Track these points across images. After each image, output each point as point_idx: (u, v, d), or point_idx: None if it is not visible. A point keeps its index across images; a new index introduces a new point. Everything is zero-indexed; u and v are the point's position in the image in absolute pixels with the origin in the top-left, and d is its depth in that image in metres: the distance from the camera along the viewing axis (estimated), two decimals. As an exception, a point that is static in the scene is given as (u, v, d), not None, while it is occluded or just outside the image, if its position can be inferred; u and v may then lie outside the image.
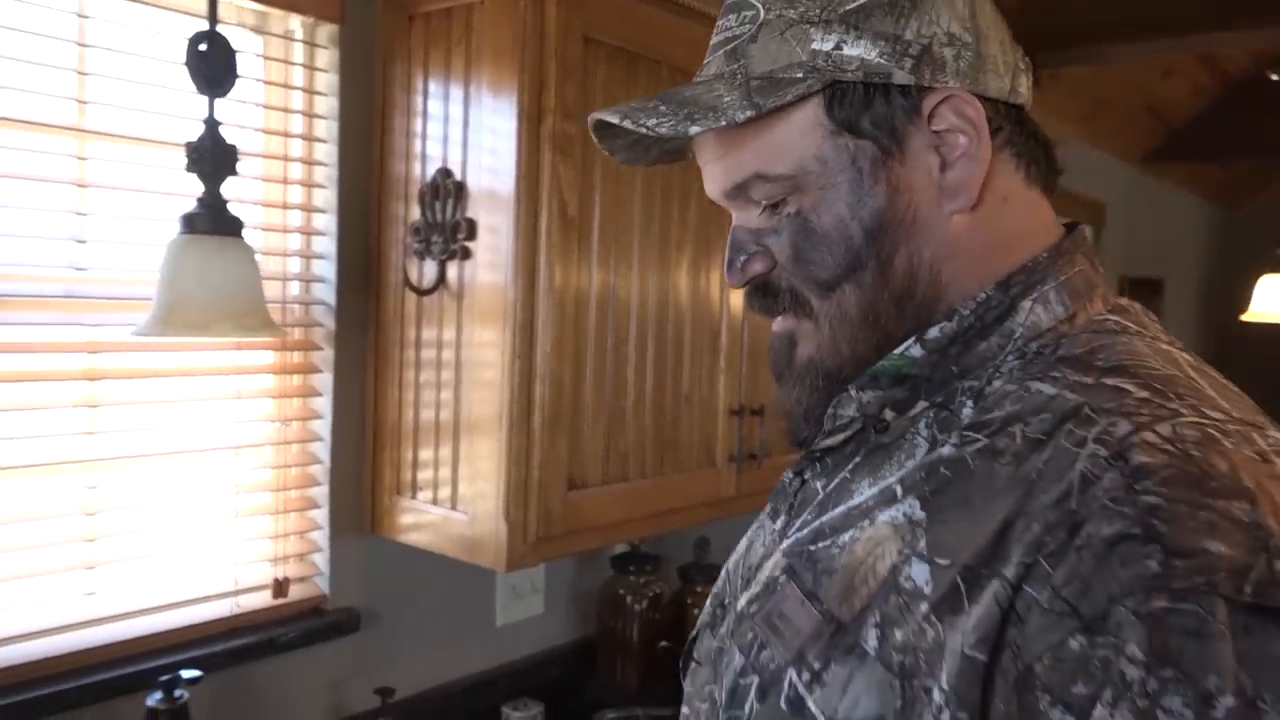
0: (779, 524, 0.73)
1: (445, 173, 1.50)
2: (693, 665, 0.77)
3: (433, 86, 1.53)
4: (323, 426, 1.60)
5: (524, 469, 1.44)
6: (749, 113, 0.62)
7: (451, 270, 1.50)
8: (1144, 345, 0.62)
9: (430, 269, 1.52)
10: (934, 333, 0.64)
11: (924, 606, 0.56)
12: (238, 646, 1.47)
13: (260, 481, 1.56)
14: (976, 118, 0.63)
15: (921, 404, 0.65)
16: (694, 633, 0.79)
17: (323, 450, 1.60)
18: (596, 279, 1.51)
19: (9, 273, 1.27)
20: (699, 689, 0.74)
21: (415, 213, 1.55)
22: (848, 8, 0.63)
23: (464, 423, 1.49)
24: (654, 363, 1.62)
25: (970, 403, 0.62)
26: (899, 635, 0.56)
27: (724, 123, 0.62)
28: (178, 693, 1.28)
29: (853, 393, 0.66)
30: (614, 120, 0.65)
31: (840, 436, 0.68)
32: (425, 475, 1.55)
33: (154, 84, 1.39)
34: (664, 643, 1.88)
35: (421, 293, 1.53)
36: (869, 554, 0.60)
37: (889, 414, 0.66)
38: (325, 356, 1.59)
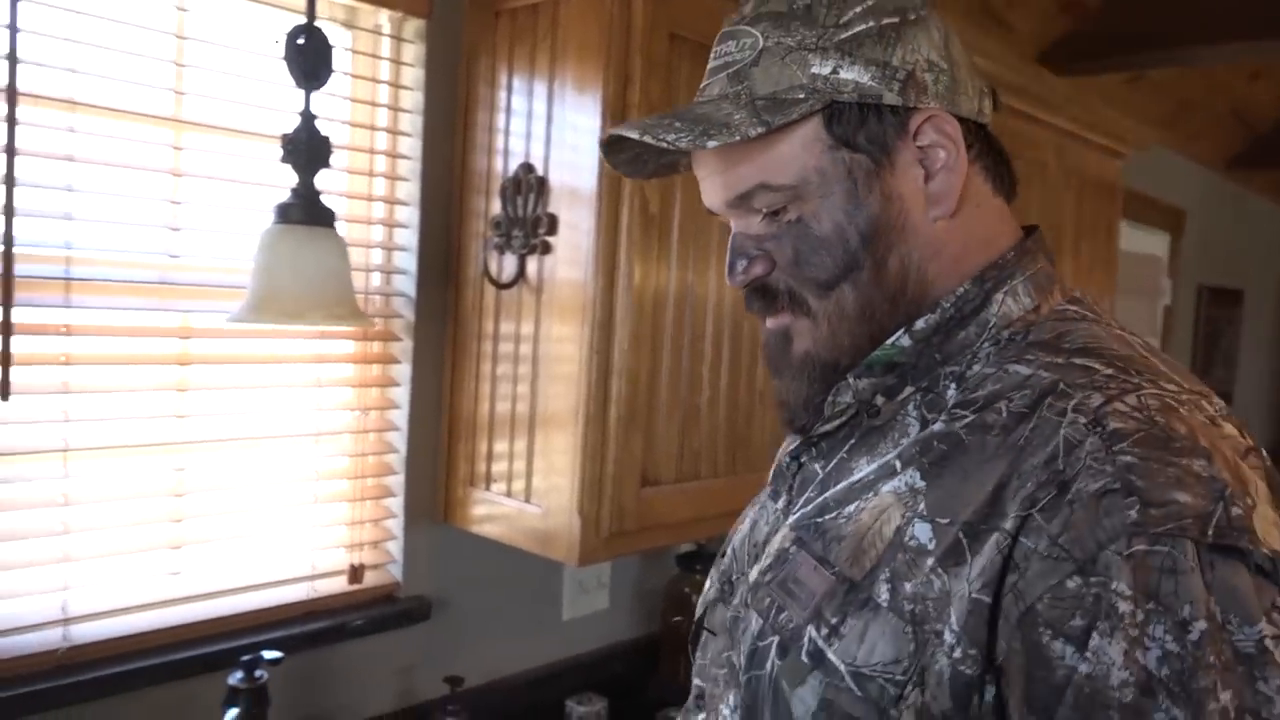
0: (780, 503, 0.80)
1: (527, 168, 1.51)
2: (705, 636, 0.83)
3: (517, 82, 1.54)
4: (400, 416, 1.62)
5: (599, 464, 1.44)
6: (760, 129, 0.69)
7: (531, 265, 1.51)
8: (1102, 330, 0.71)
9: (510, 263, 1.53)
10: (920, 324, 0.72)
11: (930, 560, 0.64)
12: (313, 630, 1.50)
13: (338, 469, 1.59)
14: (955, 134, 0.71)
15: (909, 389, 0.73)
16: (700, 608, 0.86)
17: (399, 440, 1.62)
18: (675, 276, 1.51)
19: (107, 258, 1.31)
20: (715, 658, 0.80)
21: (496, 207, 1.56)
22: (842, 37, 0.70)
23: (539, 416, 1.50)
24: (729, 361, 1.61)
25: (953, 385, 0.71)
26: (908, 587, 0.64)
27: (738, 138, 0.68)
28: (258, 673, 1.31)
29: (850, 381, 0.74)
30: (634, 135, 0.71)
31: (836, 422, 0.76)
32: (499, 467, 1.57)
33: (247, 76, 1.42)
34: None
35: (500, 286, 1.54)
36: (875, 520, 0.68)
37: (880, 400, 0.73)
38: (404, 347, 1.61)
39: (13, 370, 1.18)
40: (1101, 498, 0.58)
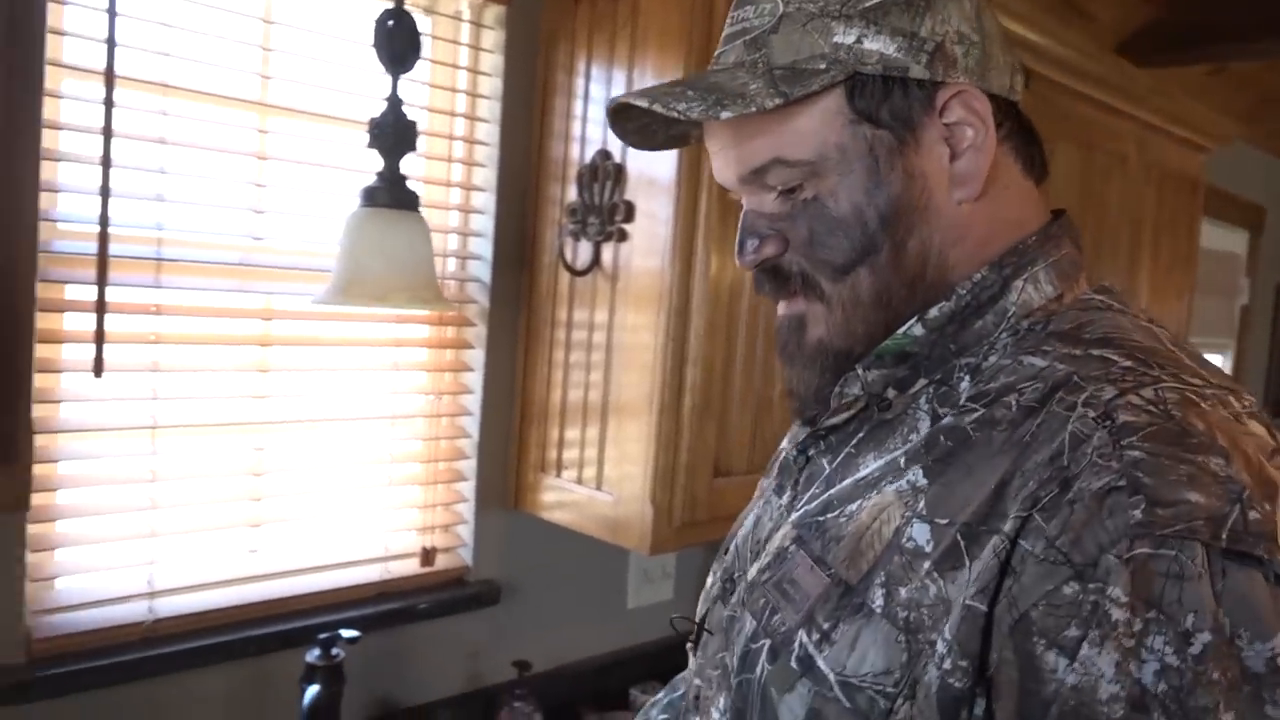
0: (785, 499, 0.76)
1: (604, 155, 1.51)
2: (705, 636, 0.80)
3: (595, 69, 1.54)
4: (473, 401, 1.63)
5: (672, 453, 1.44)
6: (777, 100, 0.64)
7: (606, 252, 1.51)
8: (1127, 321, 0.66)
9: (585, 250, 1.53)
10: (934, 312, 0.68)
11: (926, 564, 0.60)
12: (386, 611, 1.52)
13: (412, 452, 1.60)
14: (984, 112, 0.67)
15: (921, 382, 0.68)
16: (702, 606, 0.82)
17: (472, 425, 1.63)
18: (751, 266, 1.50)
19: (195, 240, 1.33)
20: (711, 658, 0.76)
21: (572, 194, 1.56)
22: (867, 4, 0.66)
23: (613, 404, 1.50)
24: (803, 353, 1.60)
25: (967, 378, 0.66)
26: (904, 593, 0.60)
27: (754, 109, 0.64)
28: (335, 651, 1.33)
29: (859, 372, 0.69)
30: (643, 104, 0.67)
31: (845, 415, 0.71)
32: (571, 454, 1.57)
33: (328, 60, 1.43)
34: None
35: (576, 273, 1.54)
36: (874, 519, 0.64)
37: (891, 392, 0.69)
38: (478, 333, 1.62)
39: (106, 348, 1.21)
40: (1105, 496, 0.54)
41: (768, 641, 0.67)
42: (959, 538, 0.59)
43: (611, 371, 1.50)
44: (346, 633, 1.33)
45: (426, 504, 1.62)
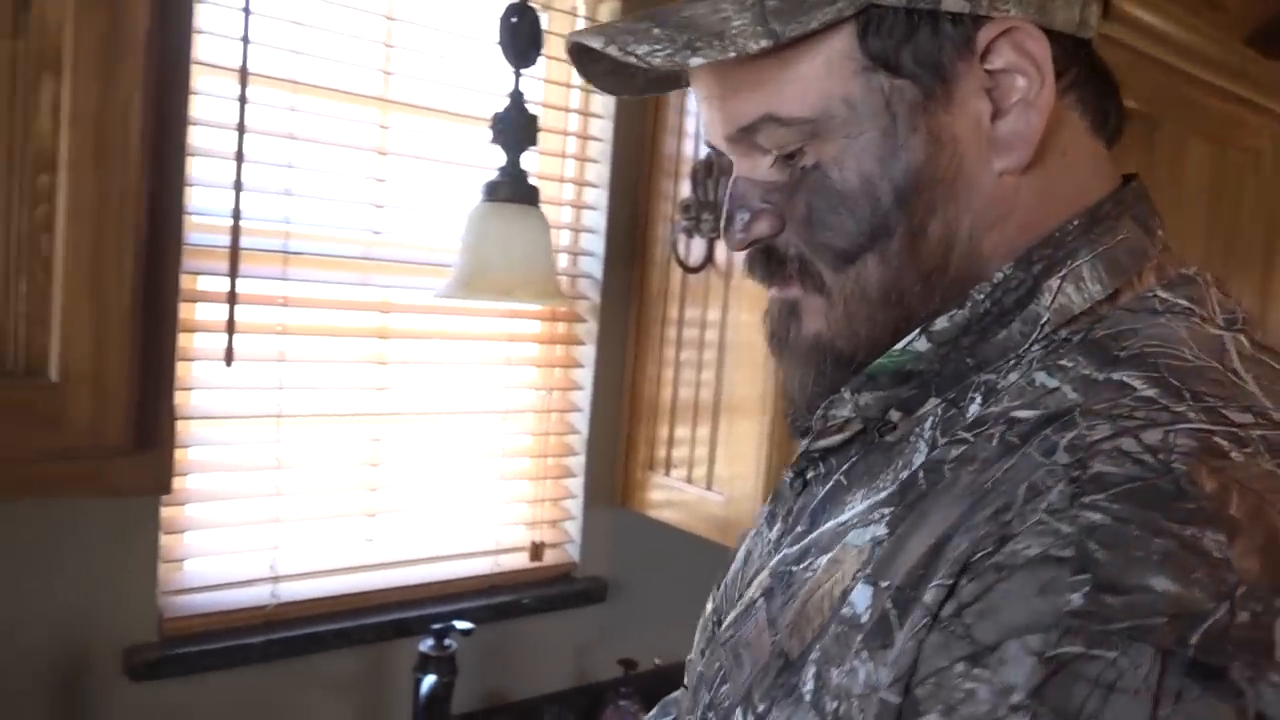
0: (774, 532, 0.63)
1: (719, 151, 1.48)
2: (683, 690, 0.70)
3: (712, 63, 1.52)
4: (583, 398, 1.63)
5: (785, 454, 1.41)
6: (765, 42, 0.50)
7: (720, 249, 1.49)
8: (1184, 328, 0.50)
9: (698, 247, 1.52)
10: (942, 323, 0.54)
11: (858, 639, 0.47)
12: (495, 604, 1.53)
13: (522, 447, 1.61)
14: (1041, 56, 0.51)
15: (932, 401, 0.55)
16: (694, 649, 0.70)
17: (581, 421, 1.63)
18: (869, 264, 1.46)
19: (315, 233, 1.36)
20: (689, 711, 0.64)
21: (685, 190, 1.54)
22: None
23: (724, 403, 1.48)
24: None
25: (979, 399, 0.53)
26: (835, 676, 0.47)
27: (733, 54, 0.51)
28: (448, 642, 1.34)
29: (846, 395, 0.57)
30: (597, 45, 0.54)
31: (838, 438, 0.59)
32: (680, 453, 1.56)
33: (447, 57, 1.44)
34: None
35: (688, 270, 1.52)
36: (830, 578, 0.51)
37: (895, 414, 0.56)
38: (589, 329, 1.62)
39: (235, 338, 1.24)
40: (1038, 566, 0.40)
41: (713, 716, 0.56)
42: (890, 605, 0.46)
43: (724, 370, 1.48)
44: (460, 624, 1.34)
45: (535, 499, 1.62)
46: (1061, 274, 0.53)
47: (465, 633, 1.34)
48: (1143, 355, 0.48)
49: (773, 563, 0.58)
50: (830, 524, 0.55)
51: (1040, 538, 0.41)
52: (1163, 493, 0.40)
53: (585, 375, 1.63)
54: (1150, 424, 0.44)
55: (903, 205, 0.53)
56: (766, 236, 0.58)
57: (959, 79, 0.52)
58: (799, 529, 0.58)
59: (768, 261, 0.59)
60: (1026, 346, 0.52)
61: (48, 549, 1.14)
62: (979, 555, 0.43)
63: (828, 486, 0.58)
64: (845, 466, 0.58)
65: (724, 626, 0.60)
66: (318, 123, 1.34)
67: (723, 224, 0.59)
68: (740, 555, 0.68)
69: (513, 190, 1.19)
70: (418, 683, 1.33)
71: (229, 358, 1.23)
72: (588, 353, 1.63)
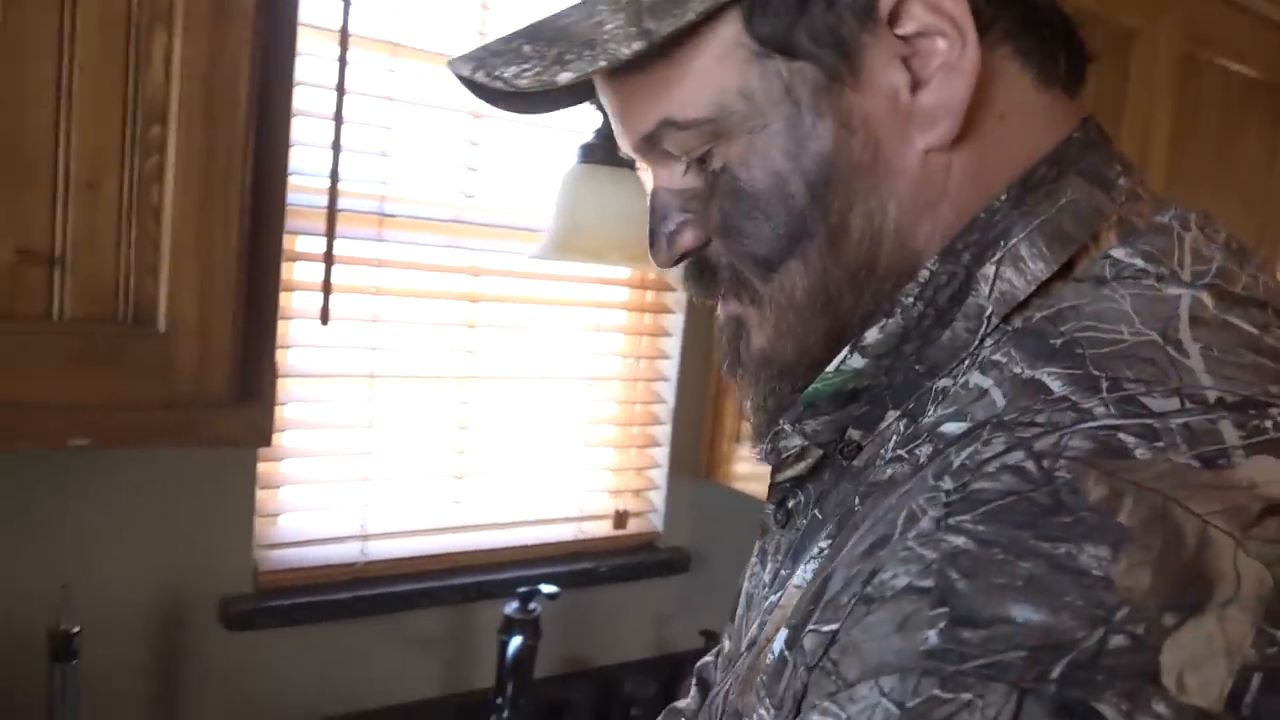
0: (767, 574, 0.57)
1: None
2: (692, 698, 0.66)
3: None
4: (670, 367, 1.62)
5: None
6: (638, 44, 0.46)
7: (815, 218, 1.45)
8: (1129, 297, 0.44)
9: (792, 216, 1.48)
10: (873, 334, 0.48)
11: (764, 686, 0.44)
12: (578, 570, 1.53)
13: (607, 415, 1.60)
14: (958, 12, 0.45)
15: (891, 414, 0.49)
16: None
17: (667, 391, 1.62)
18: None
19: (408, 195, 1.36)
20: None
21: (781, 158, 1.51)
22: None
23: (815, 376, 1.45)
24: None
25: (934, 409, 0.47)
26: None
27: (604, 63, 0.46)
28: (532, 605, 1.35)
29: (788, 428, 0.52)
30: (465, 73, 0.50)
31: (801, 466, 0.54)
32: (768, 425, 1.53)
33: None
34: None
35: (781, 240, 1.49)
36: (775, 629, 0.47)
37: (854, 434, 0.51)
38: (678, 298, 1.60)
39: (331, 299, 1.25)
40: (902, 599, 0.36)
41: None
42: (785, 651, 0.43)
43: (815, 342, 1.45)
44: (546, 588, 1.34)
45: (620, 467, 1.62)
46: (996, 258, 0.47)
47: (550, 597, 1.34)
48: (1072, 343, 0.43)
49: (761, 611, 0.54)
50: (800, 567, 0.50)
51: (904, 565, 0.37)
52: (1037, 507, 0.36)
53: (673, 345, 1.62)
54: (1050, 429, 0.38)
55: (818, 201, 0.48)
56: (693, 249, 0.53)
57: (865, 51, 0.46)
58: (783, 572, 0.53)
59: (700, 275, 0.54)
60: (977, 344, 0.47)
61: (148, 500, 1.17)
62: (851, 594, 0.39)
63: (808, 520, 0.54)
64: (817, 497, 0.53)
65: (714, 690, 0.56)
66: (415, 86, 1.34)
67: (648, 240, 0.55)
68: (742, 600, 0.63)
69: (609, 153, 1.17)
70: (503, 644, 1.34)
71: (325, 317, 1.25)
72: (676, 322, 1.61)
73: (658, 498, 1.64)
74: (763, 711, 0.44)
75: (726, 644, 0.68)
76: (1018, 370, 0.43)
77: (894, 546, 0.39)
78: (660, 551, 1.63)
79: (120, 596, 1.17)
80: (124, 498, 1.16)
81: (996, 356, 0.45)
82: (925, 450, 0.44)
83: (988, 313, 0.46)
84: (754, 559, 0.62)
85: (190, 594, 1.21)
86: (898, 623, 0.36)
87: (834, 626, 0.39)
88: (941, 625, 0.35)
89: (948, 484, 0.39)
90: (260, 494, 1.28)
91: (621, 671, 1.59)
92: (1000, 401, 0.42)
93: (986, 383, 0.44)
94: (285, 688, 1.29)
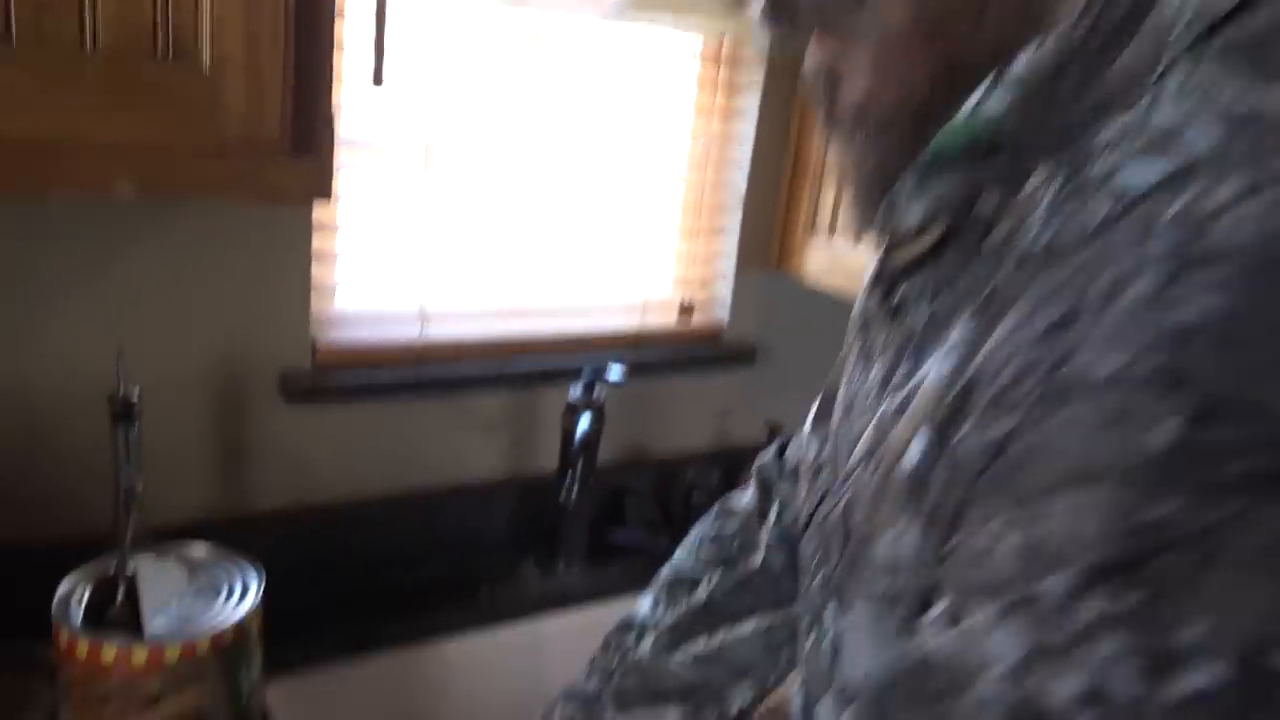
0: (874, 375, 0.49)
1: None
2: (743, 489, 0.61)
3: None
4: (742, 152, 1.51)
5: (968, 218, 1.29)
6: None
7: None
8: None
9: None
10: (1020, 65, 0.38)
11: (904, 499, 0.40)
12: (641, 360, 1.49)
13: (675, 200, 1.52)
14: None
15: (1042, 171, 0.39)
16: (804, 495, 0.60)
17: (739, 177, 1.52)
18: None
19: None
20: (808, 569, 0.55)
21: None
22: None
23: (902, 160, 1.34)
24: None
25: (1100, 158, 0.37)
26: (884, 548, 0.41)
27: None
28: (596, 391, 1.31)
29: (902, 199, 0.43)
30: None
31: (924, 242, 0.45)
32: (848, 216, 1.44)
33: None
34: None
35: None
36: (906, 431, 0.41)
37: (988, 204, 0.41)
38: (755, 79, 1.48)
39: (385, 60, 1.16)
40: (1111, 390, 0.30)
41: (808, 618, 0.51)
42: (928, 458, 0.39)
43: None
44: (613, 371, 1.30)
45: (687, 257, 1.55)
46: None
47: (616, 384, 1.30)
48: None
49: (876, 416, 0.47)
50: (932, 354, 0.43)
51: (1114, 345, 0.30)
52: None
53: (746, 129, 1.50)
54: None
55: None
56: None
57: None
58: (900, 372, 0.46)
59: (778, 11, 0.45)
60: (1161, 72, 0.36)
61: (204, 268, 1.13)
62: (1030, 386, 0.33)
63: (927, 312, 0.45)
64: (938, 286, 0.44)
65: (821, 502, 0.51)
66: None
67: None
68: (839, 406, 0.56)
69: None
70: (568, 428, 1.31)
71: (378, 77, 1.16)
72: (750, 103, 1.49)
73: (724, 288, 1.57)
74: (904, 529, 0.39)
75: (810, 453, 0.61)
76: (1238, 96, 0.34)
77: (1089, 324, 0.32)
78: (725, 344, 1.58)
79: (179, 364, 1.14)
80: (179, 262, 1.11)
81: (1195, 84, 0.35)
82: (1101, 208, 0.36)
83: (1178, 26, 0.36)
84: (852, 360, 0.55)
85: (249, 366, 1.19)
86: (1110, 417, 0.30)
87: (1008, 426, 0.33)
88: (1185, 414, 0.28)
89: (1162, 242, 0.31)
90: (316, 270, 1.23)
91: (683, 462, 1.58)
92: (1208, 141, 0.33)
93: (1181, 119, 0.35)
94: (346, 462, 1.29)
